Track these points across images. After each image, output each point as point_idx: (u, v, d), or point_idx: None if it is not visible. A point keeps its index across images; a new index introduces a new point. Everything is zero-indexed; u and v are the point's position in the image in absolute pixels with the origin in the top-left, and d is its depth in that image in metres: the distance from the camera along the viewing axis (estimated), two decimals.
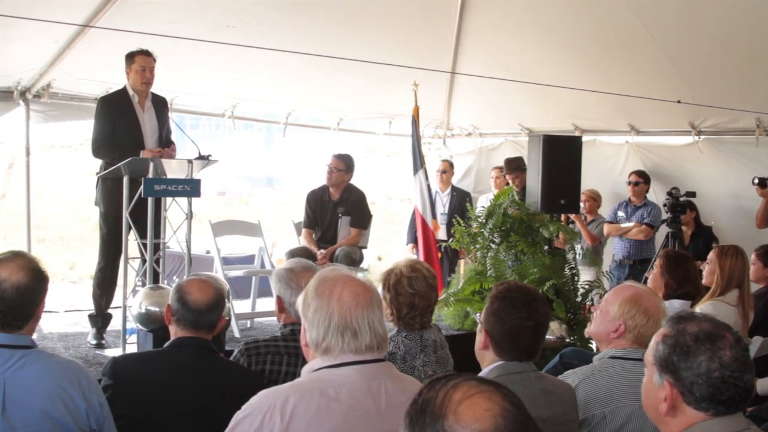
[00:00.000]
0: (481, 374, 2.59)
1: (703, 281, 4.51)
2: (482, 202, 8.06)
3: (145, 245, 5.08)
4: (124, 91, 5.35)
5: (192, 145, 5.33)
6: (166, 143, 5.49)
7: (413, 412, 1.28)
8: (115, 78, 5.61)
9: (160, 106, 5.50)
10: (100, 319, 5.45)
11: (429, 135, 9.45)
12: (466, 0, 6.92)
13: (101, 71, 6.35)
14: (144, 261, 5.14)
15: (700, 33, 6.21)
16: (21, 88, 6.47)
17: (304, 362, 2.26)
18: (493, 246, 6.33)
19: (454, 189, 8.44)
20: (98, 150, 5.32)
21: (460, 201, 8.25)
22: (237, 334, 5.74)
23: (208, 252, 8.33)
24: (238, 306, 6.40)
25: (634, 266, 7.31)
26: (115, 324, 5.49)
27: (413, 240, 8.17)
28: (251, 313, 6.45)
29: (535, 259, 6.10)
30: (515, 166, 7.72)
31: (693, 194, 6.80)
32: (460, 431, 1.21)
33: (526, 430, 1.22)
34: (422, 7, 6.91)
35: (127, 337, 5.06)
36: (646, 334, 2.84)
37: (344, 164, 6.76)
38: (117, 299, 5.42)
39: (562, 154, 6.65)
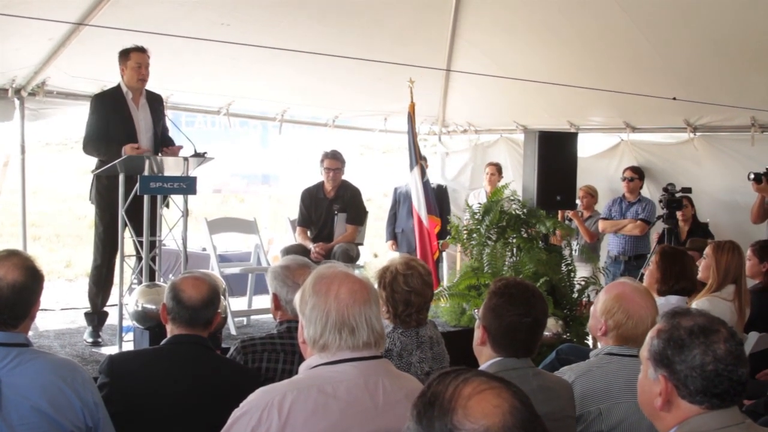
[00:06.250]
0: None
1: (699, 276, 4.51)
2: (472, 199, 8.04)
3: (141, 243, 5.07)
4: (118, 88, 5.34)
5: (187, 142, 5.32)
6: (162, 141, 5.48)
7: (421, 404, 1.28)
8: (110, 76, 5.60)
9: (155, 103, 5.49)
10: (97, 317, 5.44)
11: (425, 132, 9.47)
12: None
13: (96, 69, 6.33)
14: (140, 259, 5.13)
15: (694, 31, 6.22)
16: (16, 86, 6.44)
17: (301, 360, 2.26)
18: (489, 243, 6.33)
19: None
20: (87, 146, 5.32)
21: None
22: (233, 332, 5.74)
23: (204, 249, 8.31)
24: (235, 303, 6.39)
25: (630, 262, 7.32)
26: (111, 322, 5.47)
27: (392, 237, 8.21)
28: (248, 311, 6.45)
29: (531, 255, 6.09)
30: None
31: (689, 190, 6.78)
32: (468, 426, 1.21)
33: (533, 428, 1.22)
34: (418, 5, 6.91)
35: (123, 334, 5.04)
36: (626, 335, 2.83)
37: (340, 162, 6.74)
38: (113, 297, 5.41)
39: (558, 151, 6.66)
